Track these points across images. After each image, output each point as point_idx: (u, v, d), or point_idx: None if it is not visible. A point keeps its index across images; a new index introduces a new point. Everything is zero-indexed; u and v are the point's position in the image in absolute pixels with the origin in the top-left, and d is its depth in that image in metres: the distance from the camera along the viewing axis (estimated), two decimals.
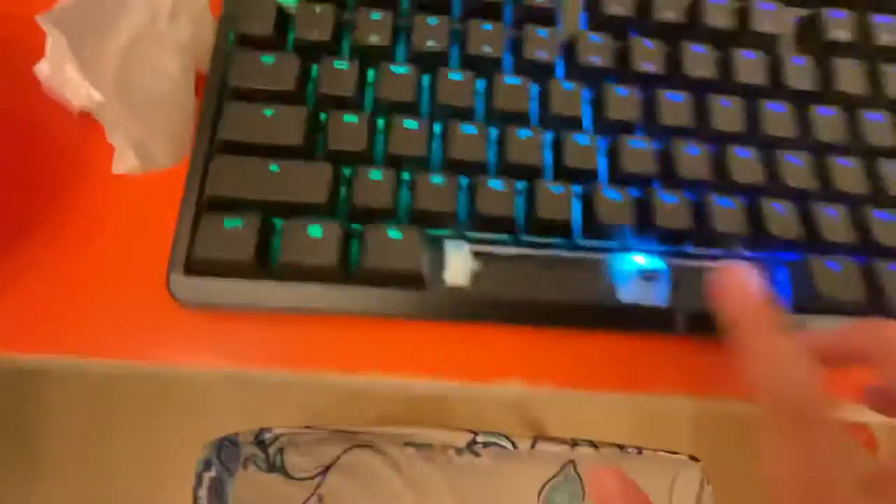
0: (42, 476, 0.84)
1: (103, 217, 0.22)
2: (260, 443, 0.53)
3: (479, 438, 0.52)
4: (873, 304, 0.22)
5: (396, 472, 0.51)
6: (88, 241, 0.22)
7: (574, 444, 0.58)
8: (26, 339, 0.20)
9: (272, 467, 0.51)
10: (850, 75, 0.25)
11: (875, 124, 0.24)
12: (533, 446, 0.58)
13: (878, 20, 0.25)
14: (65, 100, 0.21)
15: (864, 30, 0.25)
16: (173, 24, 0.20)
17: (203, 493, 0.51)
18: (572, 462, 0.53)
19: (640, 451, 0.50)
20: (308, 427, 0.55)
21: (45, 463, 0.85)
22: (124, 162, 0.19)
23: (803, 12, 0.26)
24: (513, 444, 0.56)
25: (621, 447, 0.52)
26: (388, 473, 0.51)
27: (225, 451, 0.52)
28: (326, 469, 0.50)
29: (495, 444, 0.53)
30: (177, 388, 0.86)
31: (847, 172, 0.23)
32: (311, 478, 0.50)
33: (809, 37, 0.26)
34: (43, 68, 0.21)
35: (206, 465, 0.51)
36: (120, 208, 0.22)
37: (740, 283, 0.19)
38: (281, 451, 0.51)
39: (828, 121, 0.24)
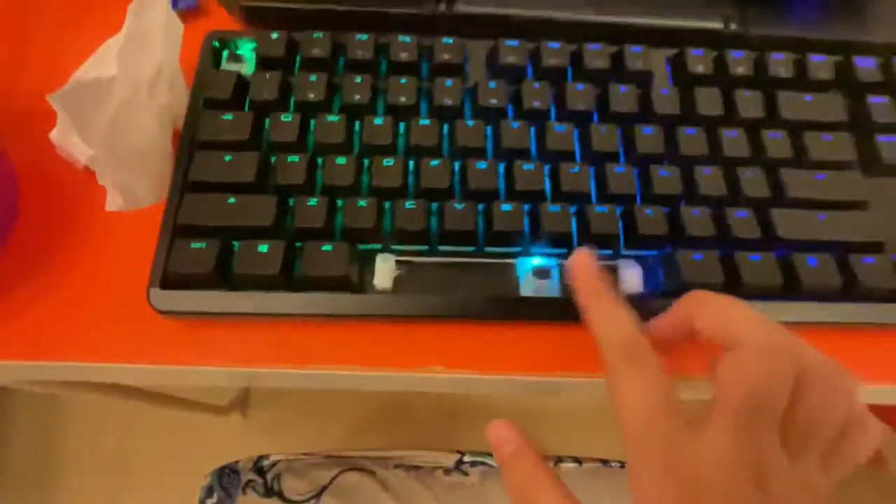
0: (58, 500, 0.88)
1: (100, 245, 0.28)
2: (258, 469, 0.56)
3: (467, 458, 0.54)
4: (730, 288, 0.26)
5: (387, 493, 0.53)
6: (89, 265, 0.27)
7: (558, 460, 0.61)
8: (36, 348, 0.26)
9: (270, 492, 0.54)
10: (709, 101, 0.30)
11: (731, 139, 0.29)
12: None
13: (734, 55, 0.31)
14: (72, 157, 0.28)
15: (721, 63, 0.31)
16: (152, 94, 0.26)
17: None
18: None
19: (623, 464, 0.52)
20: (304, 454, 0.58)
21: (63, 487, 0.89)
22: (113, 201, 0.25)
23: (672, 52, 0.32)
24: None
25: (604, 462, 0.54)
26: (379, 494, 0.53)
27: (226, 479, 0.56)
28: (321, 492, 0.53)
29: (482, 463, 0.55)
30: (185, 421, 0.91)
31: (709, 179, 0.28)
32: (307, 500, 0.53)
33: (677, 71, 0.31)
34: (55, 134, 0.27)
35: (209, 491, 0.55)
36: (113, 238, 0.28)
37: (583, 262, 0.23)
38: (278, 476, 0.55)
39: (691, 138, 0.29)
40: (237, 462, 0.56)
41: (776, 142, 0.29)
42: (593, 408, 0.93)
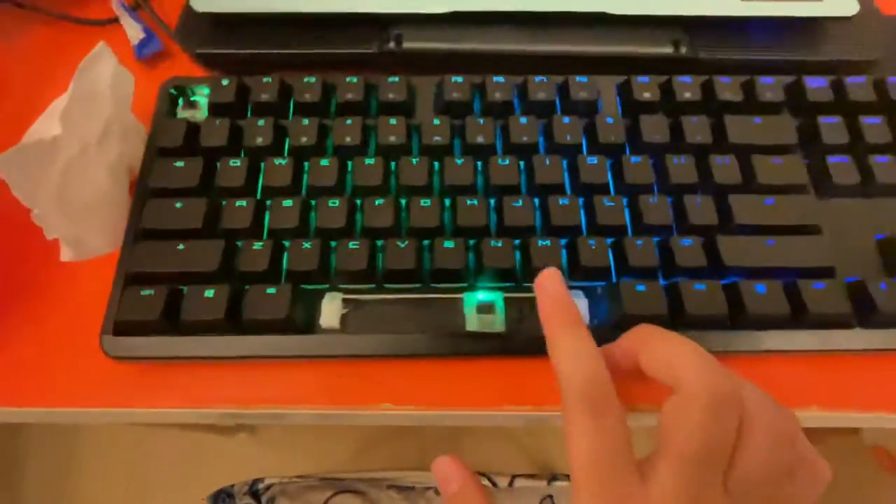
0: None
1: (60, 292, 0.29)
2: (253, 493, 0.57)
3: None
4: (675, 318, 0.26)
5: None
6: (47, 312, 0.28)
7: (552, 478, 0.60)
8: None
9: None
10: (655, 128, 0.30)
11: (677, 166, 0.29)
12: (511, 484, 0.61)
13: (681, 80, 0.31)
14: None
15: (669, 89, 0.31)
16: (102, 148, 0.27)
17: None
18: (550, 497, 0.55)
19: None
20: (298, 476, 0.59)
21: None
22: (65, 253, 0.26)
23: (620, 79, 0.32)
24: (491, 482, 0.59)
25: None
26: None
27: (221, 503, 0.57)
28: None
29: None
30: (193, 441, 0.93)
31: (654, 207, 0.28)
32: None
33: (625, 99, 0.31)
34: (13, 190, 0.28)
35: None
36: (72, 285, 0.29)
37: (551, 282, 0.22)
38: (272, 500, 0.56)
39: (636, 167, 0.29)
40: (233, 486, 0.57)
41: (724, 167, 0.29)
42: None
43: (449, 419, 0.27)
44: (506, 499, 0.57)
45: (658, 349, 0.21)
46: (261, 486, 0.57)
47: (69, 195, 0.25)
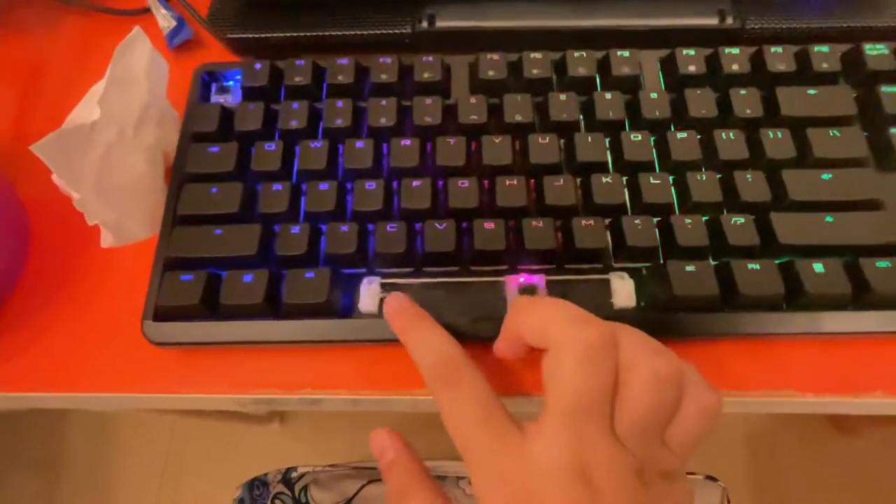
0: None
1: (101, 279, 0.29)
2: (286, 481, 0.57)
3: None
4: (726, 299, 0.25)
5: None
6: (90, 299, 0.28)
7: None
8: (39, 381, 0.27)
9: (298, 503, 0.55)
10: (701, 102, 0.28)
11: (726, 141, 0.27)
12: None
13: (728, 52, 0.29)
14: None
15: (716, 61, 0.29)
16: (139, 134, 0.27)
17: None
18: None
19: None
20: (330, 465, 0.59)
21: (115, 490, 0.94)
22: (105, 239, 0.26)
23: (663, 53, 0.30)
24: None
25: None
26: None
27: (255, 491, 0.57)
28: (347, 503, 0.54)
29: None
30: (227, 430, 0.94)
31: (702, 184, 0.27)
32: None
33: (668, 73, 0.30)
34: (55, 176, 0.29)
35: (240, 503, 0.56)
36: (113, 272, 0.29)
37: (395, 301, 0.25)
38: (305, 488, 0.56)
39: (682, 142, 0.27)
40: (266, 474, 0.58)
41: (776, 141, 0.27)
42: None
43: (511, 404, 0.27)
44: None
45: (528, 317, 0.21)
46: (294, 474, 0.57)
47: (108, 180, 0.25)
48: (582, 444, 0.18)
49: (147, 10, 0.37)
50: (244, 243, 0.26)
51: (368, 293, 0.27)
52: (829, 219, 0.26)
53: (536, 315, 0.21)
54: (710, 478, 0.52)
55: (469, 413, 0.20)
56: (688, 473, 0.51)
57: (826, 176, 0.26)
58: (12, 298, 0.29)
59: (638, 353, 0.19)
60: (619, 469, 0.18)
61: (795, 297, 0.25)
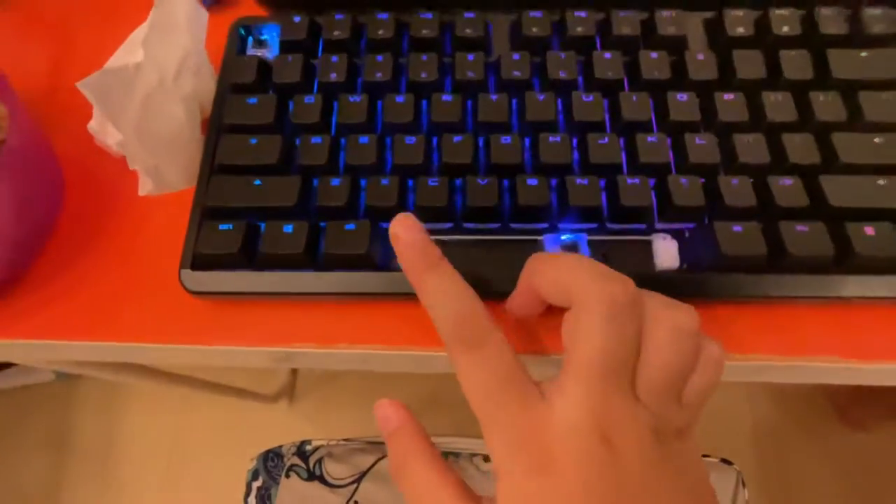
0: (116, 485, 0.94)
1: (136, 230, 0.29)
2: (301, 454, 0.57)
3: None
4: (773, 260, 0.24)
5: None
6: (126, 249, 0.28)
7: None
8: (75, 329, 0.27)
9: (312, 476, 0.55)
10: (749, 63, 0.28)
11: (774, 102, 0.27)
12: None
13: (778, 13, 0.29)
14: (107, 146, 0.29)
15: (764, 23, 0.29)
16: (178, 82, 0.27)
17: (252, 500, 0.55)
18: None
19: None
20: (345, 439, 0.59)
21: (123, 466, 0.95)
22: (145, 186, 0.25)
23: (709, 14, 0.30)
24: None
25: None
26: None
27: (270, 462, 0.57)
28: (362, 476, 0.54)
29: None
30: (236, 408, 0.95)
31: (749, 146, 0.26)
32: (347, 485, 0.54)
33: (714, 35, 0.29)
34: (92, 124, 0.28)
35: (254, 475, 0.57)
36: (148, 222, 0.29)
37: (409, 228, 0.21)
38: (320, 461, 0.56)
39: (729, 104, 0.27)
40: (281, 447, 0.58)
41: (826, 104, 0.27)
42: None
43: (528, 363, 0.26)
44: None
45: (548, 272, 0.20)
46: (308, 447, 0.57)
47: (148, 126, 0.25)
48: (604, 404, 0.18)
49: None
50: (284, 194, 0.26)
51: None
52: (881, 182, 0.25)
53: (558, 270, 0.20)
54: (725, 461, 0.51)
55: (492, 378, 0.19)
56: (703, 456, 0.51)
57: (878, 139, 0.26)
58: (47, 249, 0.29)
59: (658, 307, 0.19)
60: (638, 429, 0.18)
61: (845, 259, 0.24)
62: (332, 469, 0.55)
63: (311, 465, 0.55)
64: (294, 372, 1.01)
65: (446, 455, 0.55)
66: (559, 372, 0.19)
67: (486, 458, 0.54)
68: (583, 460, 0.17)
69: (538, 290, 0.21)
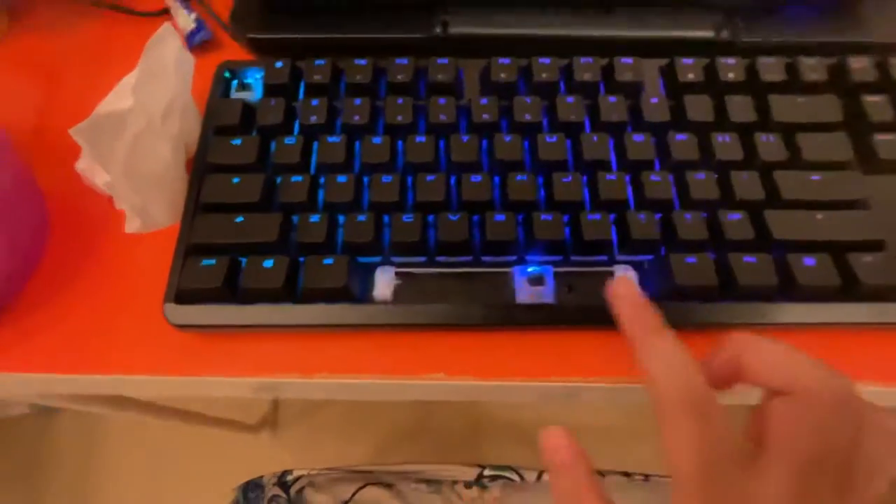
0: None
1: (120, 265, 0.30)
2: (282, 484, 0.57)
3: (487, 472, 0.54)
4: (724, 290, 0.26)
5: None
6: (109, 284, 0.29)
7: None
8: (59, 362, 0.27)
9: None
10: (699, 107, 0.30)
11: (723, 143, 0.29)
12: (539, 478, 0.61)
13: (724, 62, 0.31)
14: (95, 185, 0.30)
15: (712, 70, 0.31)
16: (165, 124, 0.28)
17: None
18: None
19: (646, 477, 0.50)
20: (326, 469, 0.59)
21: (100, 500, 0.92)
22: (132, 224, 0.27)
23: (663, 61, 0.32)
24: (520, 476, 0.59)
25: (627, 474, 0.53)
26: None
27: (251, 493, 0.57)
28: None
29: (503, 476, 0.54)
30: (216, 438, 0.94)
31: (701, 183, 0.28)
32: None
33: (668, 81, 0.32)
34: (80, 164, 0.30)
35: None
36: (132, 258, 0.30)
37: (627, 289, 0.23)
38: (301, 491, 0.56)
39: (682, 144, 0.29)
40: (262, 477, 0.57)
41: (769, 144, 0.29)
42: (613, 421, 0.92)
43: (499, 390, 0.28)
44: (536, 491, 0.57)
45: (768, 353, 0.20)
46: (289, 477, 0.57)
47: (136, 167, 0.26)
48: (810, 494, 0.18)
49: (166, 12, 0.39)
50: (265, 231, 0.27)
51: (383, 281, 0.28)
52: (819, 216, 0.27)
53: (779, 355, 0.20)
54: None
55: (713, 449, 0.19)
56: None
57: (815, 177, 0.28)
58: (32, 282, 0.29)
59: (873, 418, 0.19)
60: None
61: (788, 287, 0.26)
62: (314, 499, 0.54)
63: (293, 495, 0.55)
64: (275, 402, 1.00)
65: (429, 482, 0.55)
66: (761, 455, 0.19)
67: (467, 485, 0.55)
68: None
69: (747, 367, 0.21)
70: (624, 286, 0.23)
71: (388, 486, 0.56)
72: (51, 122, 0.35)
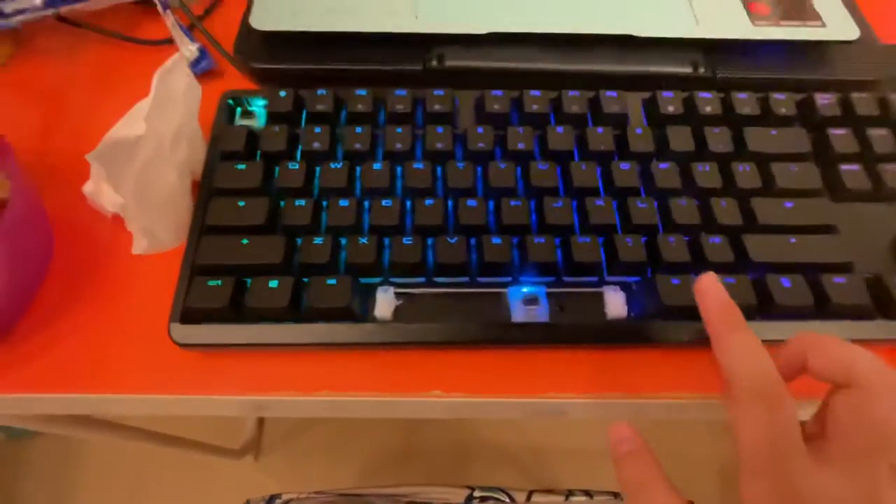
0: None
1: (126, 286, 0.30)
2: None
3: (477, 494, 0.54)
4: None
5: None
6: (115, 304, 0.30)
7: (569, 494, 0.61)
8: (66, 381, 0.28)
9: None
10: (680, 137, 0.32)
11: (703, 172, 0.31)
12: (528, 499, 0.61)
13: (702, 96, 0.33)
14: (101, 207, 0.31)
15: (691, 103, 0.33)
16: (174, 150, 0.29)
17: None
18: None
19: None
20: (315, 492, 0.59)
21: None
22: (139, 245, 0.27)
23: (646, 95, 0.34)
24: (510, 497, 0.59)
25: (616, 494, 0.54)
26: None
27: None
28: None
29: (492, 498, 0.55)
30: (199, 463, 0.92)
31: (683, 209, 0.30)
32: None
33: (651, 112, 0.34)
34: (88, 187, 0.30)
35: None
36: (137, 279, 0.30)
37: (713, 287, 0.24)
38: None
39: (665, 172, 0.31)
40: (248, 501, 0.57)
41: (745, 173, 0.31)
42: (602, 442, 0.92)
43: (496, 407, 0.29)
44: None
45: (832, 349, 0.22)
46: (278, 501, 0.56)
47: (145, 190, 0.27)
48: (873, 482, 0.19)
49: (169, 41, 0.40)
50: (269, 252, 0.28)
51: (384, 301, 0.29)
52: (793, 240, 0.29)
53: (843, 350, 0.21)
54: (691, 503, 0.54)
55: (777, 438, 0.20)
56: None
57: (788, 204, 0.30)
58: (37, 302, 0.30)
59: None
60: None
61: (767, 307, 0.28)
62: None
63: None
64: (260, 426, 0.99)
65: None
66: (824, 444, 0.20)
67: None
68: None
69: (812, 362, 0.22)
70: (709, 282, 0.24)
71: None
72: (55, 145, 0.35)
